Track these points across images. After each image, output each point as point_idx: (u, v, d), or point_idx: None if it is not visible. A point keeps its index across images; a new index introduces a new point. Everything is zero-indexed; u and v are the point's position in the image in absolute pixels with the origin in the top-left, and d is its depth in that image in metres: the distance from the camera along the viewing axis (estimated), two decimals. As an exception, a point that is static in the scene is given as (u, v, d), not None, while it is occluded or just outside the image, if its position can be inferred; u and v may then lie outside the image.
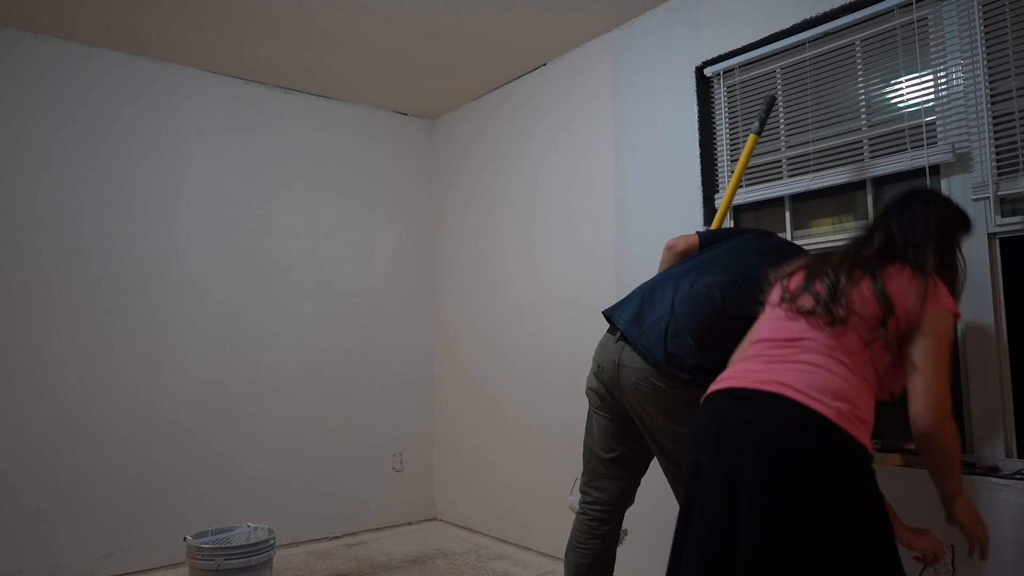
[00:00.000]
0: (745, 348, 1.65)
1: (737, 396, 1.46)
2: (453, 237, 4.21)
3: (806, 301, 1.52)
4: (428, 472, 4.24)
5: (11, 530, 2.97)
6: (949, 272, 1.62)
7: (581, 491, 2.15)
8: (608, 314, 2.04)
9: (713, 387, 1.55)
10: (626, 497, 2.10)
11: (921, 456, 1.50)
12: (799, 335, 1.50)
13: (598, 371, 2.03)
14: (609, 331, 2.04)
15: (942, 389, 1.44)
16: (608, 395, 2.02)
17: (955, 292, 1.60)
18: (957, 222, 1.67)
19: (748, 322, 1.77)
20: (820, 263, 1.60)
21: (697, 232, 2.14)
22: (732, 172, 2.75)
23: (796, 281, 1.60)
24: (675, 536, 1.51)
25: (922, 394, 1.44)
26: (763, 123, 2.38)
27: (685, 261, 2.04)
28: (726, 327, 1.82)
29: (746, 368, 1.51)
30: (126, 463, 3.25)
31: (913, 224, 1.61)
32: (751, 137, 2.39)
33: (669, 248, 2.14)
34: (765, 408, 1.40)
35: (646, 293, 2.00)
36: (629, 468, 2.08)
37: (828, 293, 1.49)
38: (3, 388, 3.00)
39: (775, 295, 1.64)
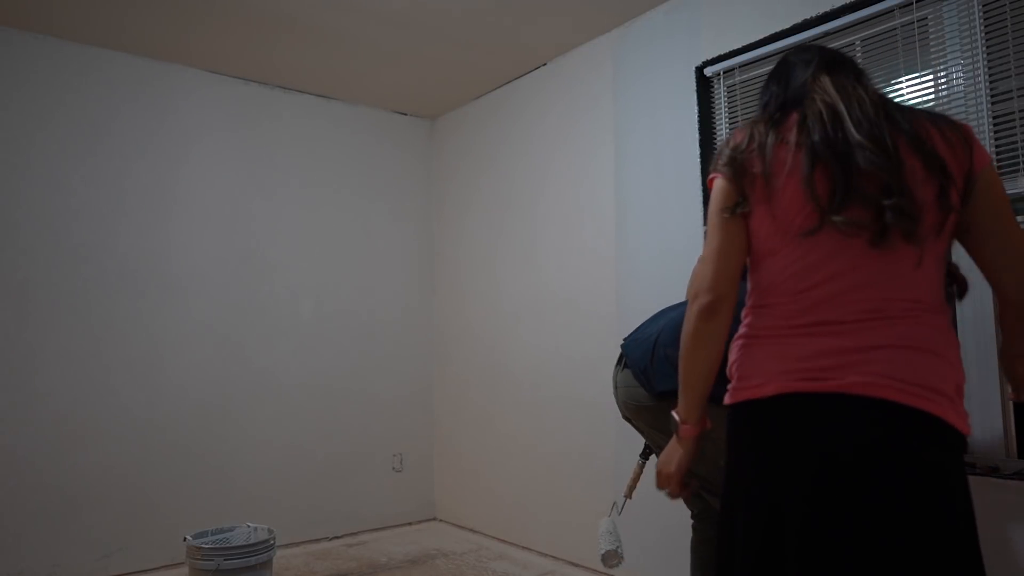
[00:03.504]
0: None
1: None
2: (453, 237, 4.21)
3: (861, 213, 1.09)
4: (428, 472, 4.24)
5: (11, 530, 2.97)
6: None
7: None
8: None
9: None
10: (706, 501, 2.04)
11: (1014, 331, 1.20)
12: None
13: (615, 390, 2.04)
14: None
15: None
16: (625, 416, 2.03)
17: None
18: None
19: None
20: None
21: None
22: (732, 172, 2.75)
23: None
24: None
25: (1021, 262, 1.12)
26: None
27: None
28: None
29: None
30: (125, 463, 3.25)
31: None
32: None
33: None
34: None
35: (658, 313, 2.03)
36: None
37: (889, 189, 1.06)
38: (2, 388, 2.99)
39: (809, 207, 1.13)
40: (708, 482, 1.84)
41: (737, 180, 1.20)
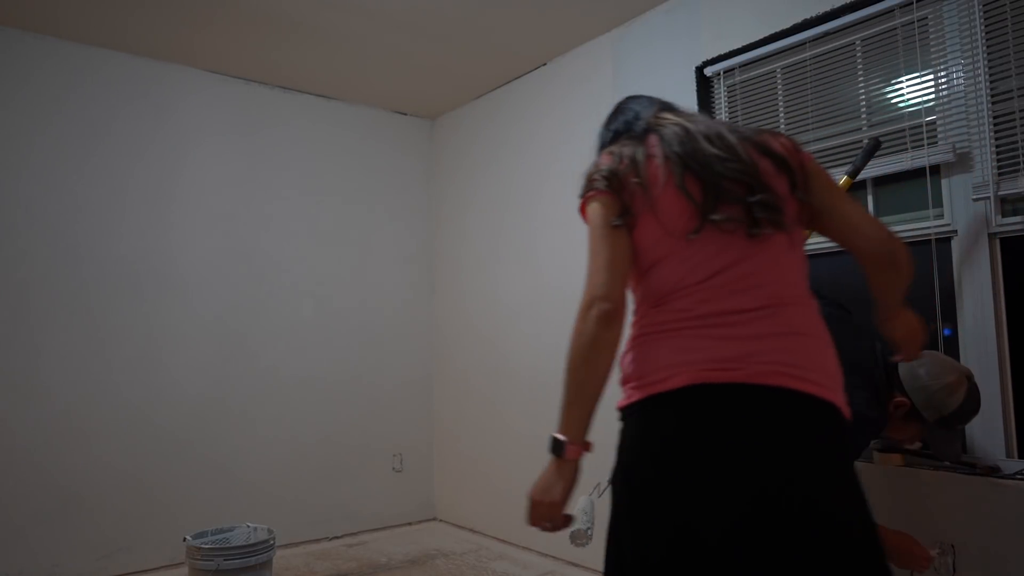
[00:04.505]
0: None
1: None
2: (453, 237, 4.21)
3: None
4: (428, 472, 4.24)
5: (10, 531, 2.96)
6: None
7: None
8: None
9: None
10: None
11: (892, 285, 1.31)
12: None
13: None
14: None
15: None
16: None
17: None
18: None
19: None
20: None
21: None
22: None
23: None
24: None
25: (870, 217, 1.28)
26: (861, 167, 2.13)
27: None
28: None
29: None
30: (125, 463, 3.25)
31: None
32: (845, 180, 2.14)
33: None
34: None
35: None
36: None
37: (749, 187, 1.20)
38: (3, 387, 2.99)
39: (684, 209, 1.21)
40: None
41: (618, 193, 1.24)
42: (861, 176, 2.34)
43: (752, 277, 1.18)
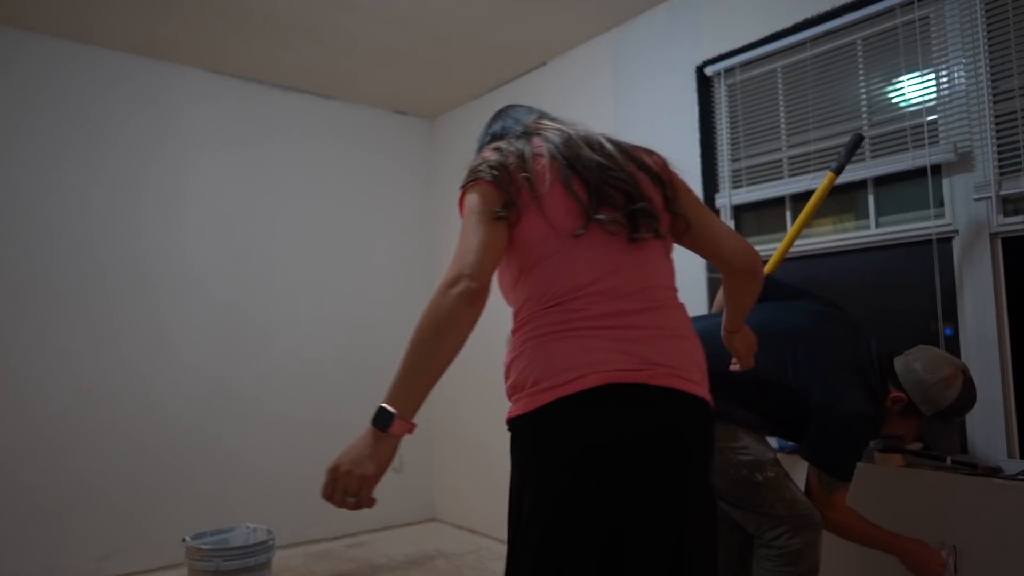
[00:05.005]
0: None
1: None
2: (453, 237, 4.19)
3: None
4: (428, 472, 4.23)
5: (9, 531, 2.96)
6: None
7: None
8: None
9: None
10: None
11: (750, 292, 1.44)
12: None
13: None
14: None
15: None
16: None
17: None
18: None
19: (762, 384, 1.76)
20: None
21: (767, 274, 2.08)
22: (732, 172, 2.74)
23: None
24: None
25: (732, 231, 1.39)
26: (845, 163, 2.15)
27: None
28: (729, 375, 1.76)
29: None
30: (125, 463, 3.24)
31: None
32: (829, 176, 2.17)
33: None
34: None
35: None
36: None
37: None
38: (3, 387, 2.99)
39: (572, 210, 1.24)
40: (720, 491, 1.82)
41: (504, 186, 1.23)
42: (862, 176, 2.34)
43: (636, 281, 1.21)
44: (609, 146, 1.29)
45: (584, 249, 1.21)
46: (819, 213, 2.52)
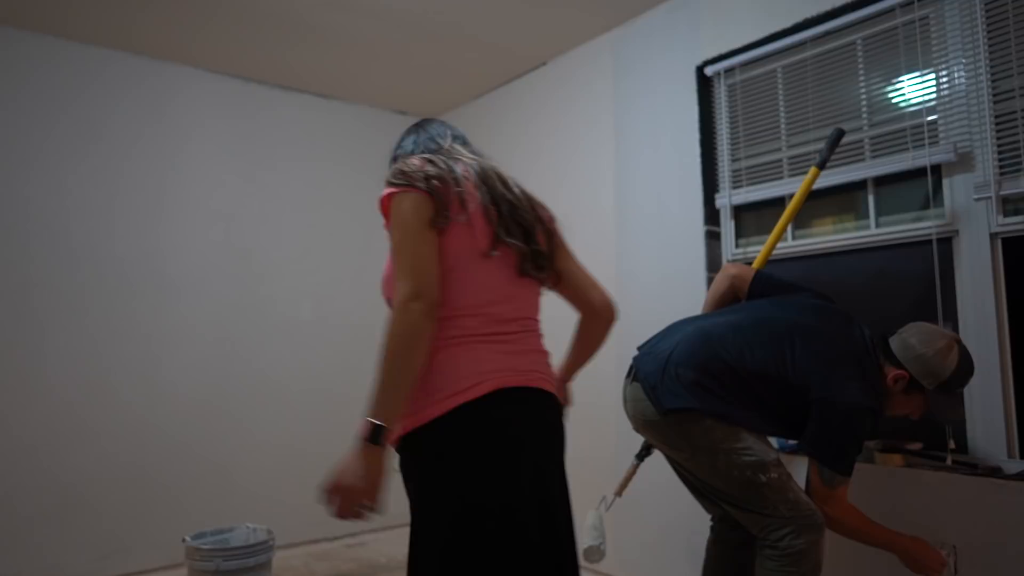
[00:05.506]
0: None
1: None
2: (453, 237, 4.20)
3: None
4: (428, 472, 4.22)
5: (8, 532, 2.96)
6: None
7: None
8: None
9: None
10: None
11: (601, 337, 1.61)
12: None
13: (624, 406, 2.01)
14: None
15: None
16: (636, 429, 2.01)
17: None
18: None
19: (762, 380, 1.78)
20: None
21: (757, 269, 2.11)
22: (732, 172, 2.74)
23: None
24: None
25: (594, 280, 1.57)
26: (827, 157, 2.22)
27: (730, 307, 2.04)
28: (729, 373, 1.80)
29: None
30: (124, 464, 3.24)
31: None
32: (813, 171, 2.22)
33: (724, 269, 2.16)
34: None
35: (672, 325, 2.02)
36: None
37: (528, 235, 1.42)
38: (3, 387, 2.98)
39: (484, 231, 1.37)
40: (723, 493, 1.83)
41: (439, 197, 1.31)
42: (862, 176, 2.34)
43: (518, 310, 1.39)
44: (517, 189, 1.44)
45: (487, 272, 1.34)
46: (819, 213, 2.52)
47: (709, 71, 2.81)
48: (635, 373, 1.94)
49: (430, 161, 1.37)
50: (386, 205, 1.36)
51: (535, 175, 3.63)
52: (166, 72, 3.47)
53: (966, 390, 2.08)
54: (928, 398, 1.80)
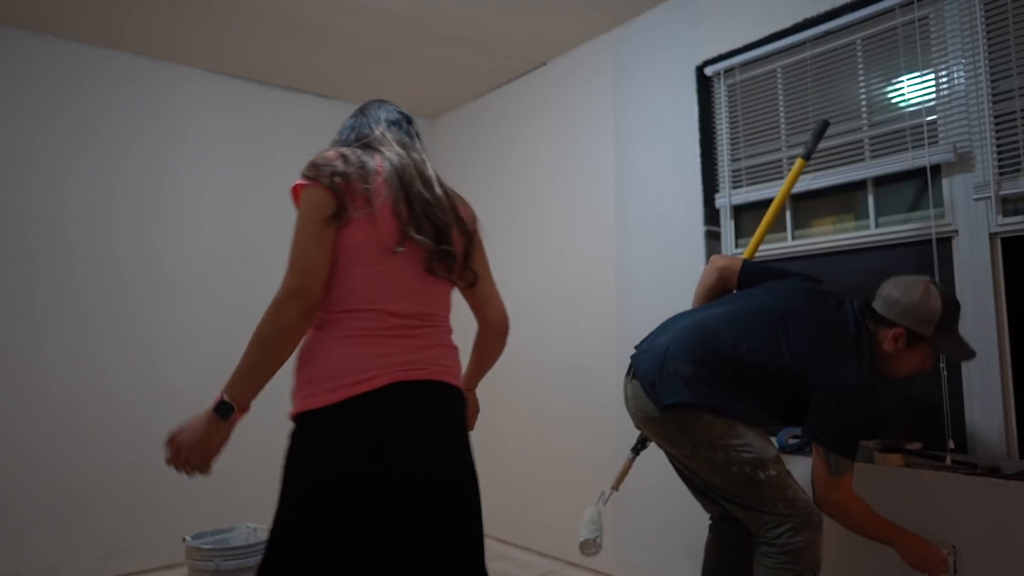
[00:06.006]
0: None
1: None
2: (453, 237, 4.20)
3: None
4: (428, 472, 4.22)
5: (9, 531, 2.96)
6: None
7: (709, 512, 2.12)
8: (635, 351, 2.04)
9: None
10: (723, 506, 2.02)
11: (496, 352, 1.66)
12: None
13: (625, 404, 2.01)
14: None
15: None
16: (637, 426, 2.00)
17: None
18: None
19: (759, 369, 1.78)
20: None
21: (743, 259, 2.11)
22: (732, 172, 2.74)
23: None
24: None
25: (500, 298, 1.58)
26: (812, 149, 2.27)
27: (722, 299, 2.04)
28: (726, 364, 1.80)
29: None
30: (123, 464, 3.24)
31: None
32: (799, 162, 2.26)
33: (712, 262, 2.16)
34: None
35: (667, 321, 2.02)
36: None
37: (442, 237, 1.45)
38: (3, 387, 2.98)
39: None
40: (722, 489, 1.83)
41: (339, 194, 1.33)
42: (862, 176, 2.34)
43: (425, 306, 1.42)
44: (438, 189, 1.46)
45: (391, 268, 1.37)
46: (819, 213, 2.52)
47: (709, 71, 2.82)
48: (634, 371, 1.94)
49: (342, 155, 1.39)
50: (295, 196, 1.38)
51: (535, 175, 3.63)
52: (164, 71, 3.47)
53: (965, 387, 2.09)
54: (932, 345, 1.80)
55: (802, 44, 2.52)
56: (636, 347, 2.03)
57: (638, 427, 1.98)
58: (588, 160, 3.31)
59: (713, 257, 2.16)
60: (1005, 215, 2.04)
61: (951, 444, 2.07)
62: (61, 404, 3.11)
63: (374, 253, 1.36)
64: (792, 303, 1.88)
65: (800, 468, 2.07)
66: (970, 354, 1.83)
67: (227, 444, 1.40)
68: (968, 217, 2.10)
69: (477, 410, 1.78)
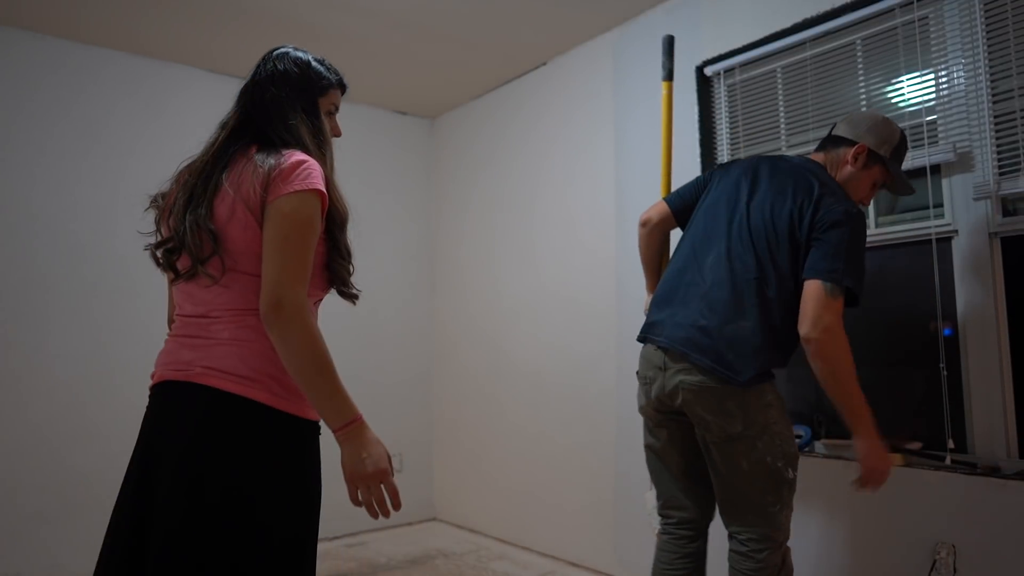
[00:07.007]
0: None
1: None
2: (452, 237, 4.21)
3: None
4: (428, 472, 4.23)
5: (10, 530, 2.96)
6: (320, 139, 1.47)
7: (660, 513, 1.98)
8: (643, 332, 1.93)
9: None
10: (709, 510, 1.94)
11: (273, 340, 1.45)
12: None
13: (646, 385, 1.88)
14: (646, 342, 1.91)
15: (292, 274, 1.28)
16: (663, 407, 1.86)
17: (328, 165, 1.44)
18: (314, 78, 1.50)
19: (793, 277, 1.72)
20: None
21: (663, 199, 2.11)
22: (732, 171, 2.74)
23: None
24: None
25: (264, 284, 1.29)
26: (670, 67, 2.36)
27: (688, 240, 1.92)
28: (764, 300, 1.70)
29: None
30: (125, 463, 3.23)
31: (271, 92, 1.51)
32: (665, 84, 2.35)
33: (643, 224, 2.13)
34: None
35: (668, 292, 1.88)
36: (705, 479, 1.89)
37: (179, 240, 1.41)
38: (3, 387, 2.99)
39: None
40: (733, 480, 1.76)
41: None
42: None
43: (201, 304, 1.38)
44: (199, 187, 1.51)
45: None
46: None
47: (709, 71, 2.82)
48: (677, 351, 1.77)
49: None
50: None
51: (535, 175, 3.63)
52: (167, 72, 3.48)
53: (965, 387, 2.09)
54: (884, 169, 1.86)
55: (802, 44, 2.52)
56: (649, 333, 1.89)
57: (681, 407, 1.80)
58: (588, 160, 3.31)
59: (642, 219, 2.14)
60: (1005, 215, 2.05)
61: (951, 444, 2.07)
62: (63, 403, 3.11)
63: None
64: (754, 196, 1.82)
65: (804, 471, 2.07)
66: (910, 190, 1.92)
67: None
68: (968, 217, 2.10)
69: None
